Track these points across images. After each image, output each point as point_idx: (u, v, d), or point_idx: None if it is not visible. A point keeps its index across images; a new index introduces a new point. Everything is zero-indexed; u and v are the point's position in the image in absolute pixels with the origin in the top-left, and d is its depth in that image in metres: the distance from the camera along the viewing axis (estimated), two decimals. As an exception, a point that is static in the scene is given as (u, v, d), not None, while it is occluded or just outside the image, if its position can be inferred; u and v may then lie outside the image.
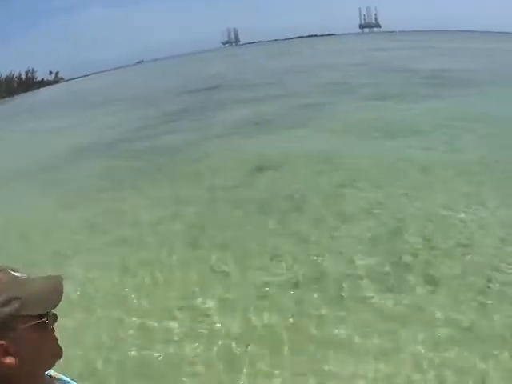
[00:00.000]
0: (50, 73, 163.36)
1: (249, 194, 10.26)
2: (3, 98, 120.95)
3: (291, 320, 5.63)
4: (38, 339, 1.32)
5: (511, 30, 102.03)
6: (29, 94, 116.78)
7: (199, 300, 6.36)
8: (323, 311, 5.73)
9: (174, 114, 23.59)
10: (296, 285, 6.42)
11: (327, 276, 6.52)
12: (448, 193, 8.94)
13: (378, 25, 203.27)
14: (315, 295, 6.09)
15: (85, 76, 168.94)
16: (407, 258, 6.72)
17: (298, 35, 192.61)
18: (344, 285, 6.24)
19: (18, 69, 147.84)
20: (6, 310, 1.27)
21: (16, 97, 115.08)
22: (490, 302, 5.53)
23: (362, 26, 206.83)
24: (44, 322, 1.32)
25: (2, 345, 1.27)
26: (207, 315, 5.99)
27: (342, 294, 6.06)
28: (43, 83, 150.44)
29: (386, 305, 5.72)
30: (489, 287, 5.80)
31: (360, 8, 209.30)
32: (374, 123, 15.29)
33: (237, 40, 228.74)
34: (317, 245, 7.47)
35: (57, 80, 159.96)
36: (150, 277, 7.17)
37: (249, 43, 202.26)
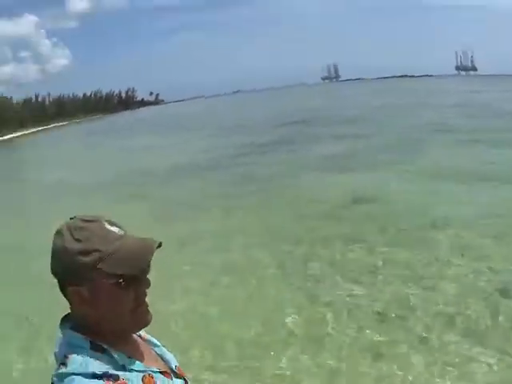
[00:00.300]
0: (151, 93, 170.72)
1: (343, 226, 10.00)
2: (103, 114, 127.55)
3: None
4: (114, 297, 1.31)
5: None
6: (128, 112, 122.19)
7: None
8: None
9: (269, 144, 23.73)
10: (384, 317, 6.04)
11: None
12: None
13: (474, 68, 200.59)
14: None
15: (183, 100, 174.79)
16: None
17: (395, 74, 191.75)
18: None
19: (118, 88, 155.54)
20: (86, 259, 1.28)
21: (115, 114, 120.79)
22: None
23: (458, 68, 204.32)
24: (118, 282, 1.29)
25: (79, 291, 1.30)
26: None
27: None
28: (143, 103, 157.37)
29: None
30: None
31: (456, 51, 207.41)
32: (470, 167, 14.59)
33: (337, 76, 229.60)
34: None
35: (157, 101, 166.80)
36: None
37: (348, 80, 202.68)
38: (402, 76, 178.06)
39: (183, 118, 58.83)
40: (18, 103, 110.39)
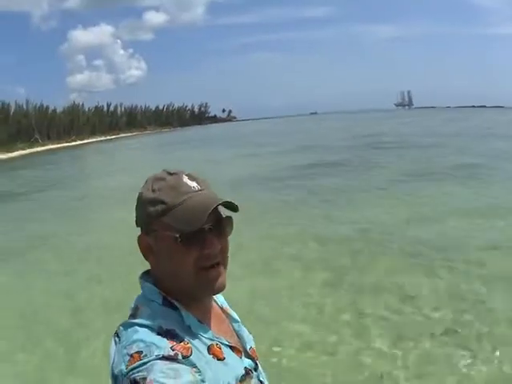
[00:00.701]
0: (224, 110, 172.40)
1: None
2: (174, 127, 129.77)
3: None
4: (173, 254, 1.29)
5: None
6: (200, 126, 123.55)
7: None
8: None
9: (334, 164, 23.94)
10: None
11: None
12: None
13: (411, 103, 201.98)
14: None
15: (256, 119, 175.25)
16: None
17: (468, 104, 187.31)
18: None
19: (190, 102, 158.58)
20: (152, 209, 1.30)
21: (187, 127, 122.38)
22: None
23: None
24: (175, 237, 1.27)
25: (147, 240, 1.34)
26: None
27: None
28: (216, 119, 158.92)
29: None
30: None
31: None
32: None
33: (410, 103, 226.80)
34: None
35: (229, 118, 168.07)
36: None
37: (421, 107, 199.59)
38: (480, 106, 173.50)
39: (256, 135, 59.28)
40: (90, 110, 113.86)
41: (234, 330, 1.46)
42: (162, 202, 1.29)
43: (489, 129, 42.92)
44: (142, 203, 1.33)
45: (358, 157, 25.77)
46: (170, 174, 1.35)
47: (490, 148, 26.18)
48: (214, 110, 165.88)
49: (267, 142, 41.79)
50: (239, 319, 1.52)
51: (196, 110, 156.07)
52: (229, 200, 1.32)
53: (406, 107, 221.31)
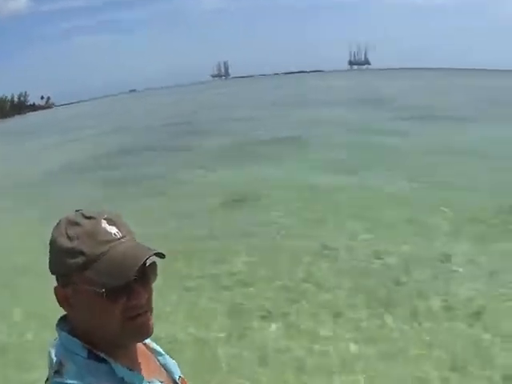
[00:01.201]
0: (42, 98, 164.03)
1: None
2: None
3: None
4: (96, 307, 1.18)
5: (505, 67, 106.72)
6: (20, 116, 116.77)
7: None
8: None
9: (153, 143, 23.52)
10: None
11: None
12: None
13: (367, 62, 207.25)
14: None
15: (75, 102, 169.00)
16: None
17: (287, 71, 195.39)
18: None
19: (10, 92, 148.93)
20: (70, 261, 1.19)
21: (8, 119, 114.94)
22: None
23: (351, 63, 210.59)
24: (98, 292, 1.17)
25: (64, 292, 1.22)
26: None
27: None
28: (35, 107, 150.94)
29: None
30: None
31: (350, 45, 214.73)
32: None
33: (226, 74, 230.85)
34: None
35: (48, 105, 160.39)
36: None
37: (238, 77, 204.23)
38: (291, 72, 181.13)
39: (70, 120, 56.79)
40: None
41: (161, 364, 1.43)
42: (82, 254, 1.17)
43: (303, 96, 45.19)
44: (58, 252, 1.21)
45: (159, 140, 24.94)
46: (86, 217, 1.23)
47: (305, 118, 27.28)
48: (33, 98, 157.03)
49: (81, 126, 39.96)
50: (163, 351, 1.47)
51: (16, 99, 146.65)
52: (157, 251, 1.21)
53: (223, 77, 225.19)
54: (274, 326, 5.85)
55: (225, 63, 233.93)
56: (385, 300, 6.25)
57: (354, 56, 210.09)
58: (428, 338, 5.30)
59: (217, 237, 9.11)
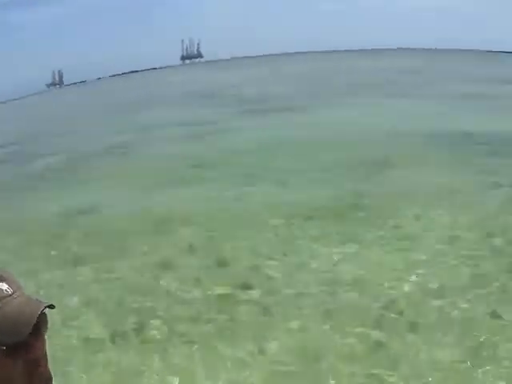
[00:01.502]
0: None
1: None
2: None
3: None
4: None
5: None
6: None
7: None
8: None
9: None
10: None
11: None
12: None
13: (200, 55, 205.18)
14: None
15: None
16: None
17: (120, 72, 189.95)
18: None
19: None
20: None
21: None
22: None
23: (183, 58, 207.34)
24: None
25: None
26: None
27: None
28: None
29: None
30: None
31: (183, 40, 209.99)
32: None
33: (61, 82, 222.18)
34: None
35: None
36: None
37: (73, 83, 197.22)
38: (123, 73, 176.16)
39: None
40: None
41: None
42: None
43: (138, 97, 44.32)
44: None
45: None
46: None
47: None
48: None
49: None
50: None
51: None
52: (48, 303, 1.23)
53: (58, 86, 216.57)
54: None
55: (59, 71, 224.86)
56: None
57: (187, 50, 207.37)
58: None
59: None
